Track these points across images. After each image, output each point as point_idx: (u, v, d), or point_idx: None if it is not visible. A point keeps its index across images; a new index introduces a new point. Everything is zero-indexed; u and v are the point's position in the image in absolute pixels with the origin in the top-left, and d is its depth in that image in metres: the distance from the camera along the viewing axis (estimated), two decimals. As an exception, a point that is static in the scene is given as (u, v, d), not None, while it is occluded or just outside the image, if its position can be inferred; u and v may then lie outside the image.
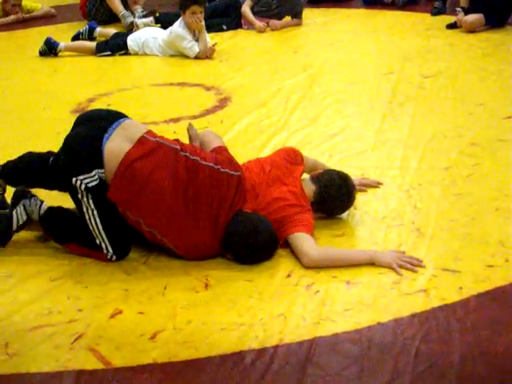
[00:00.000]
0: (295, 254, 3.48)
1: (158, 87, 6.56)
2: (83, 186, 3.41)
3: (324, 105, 5.71)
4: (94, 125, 3.56)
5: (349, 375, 2.72)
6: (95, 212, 3.47)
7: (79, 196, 3.46)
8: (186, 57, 7.45)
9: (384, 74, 6.42)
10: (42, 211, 3.69)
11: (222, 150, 3.80)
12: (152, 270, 3.49)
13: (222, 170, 3.56)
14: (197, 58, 7.40)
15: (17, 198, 3.78)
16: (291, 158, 3.84)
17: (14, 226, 3.68)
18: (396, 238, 3.63)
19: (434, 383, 2.69)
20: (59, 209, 3.71)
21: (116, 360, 2.86)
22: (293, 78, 6.48)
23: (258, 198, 3.62)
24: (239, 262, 3.48)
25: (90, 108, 5.83)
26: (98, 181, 3.42)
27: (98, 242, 3.52)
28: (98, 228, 3.49)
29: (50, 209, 3.70)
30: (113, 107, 5.84)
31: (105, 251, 3.53)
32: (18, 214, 3.68)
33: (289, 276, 3.36)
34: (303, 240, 3.46)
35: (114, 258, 3.53)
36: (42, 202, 3.74)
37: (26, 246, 3.72)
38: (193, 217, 3.43)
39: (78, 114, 5.54)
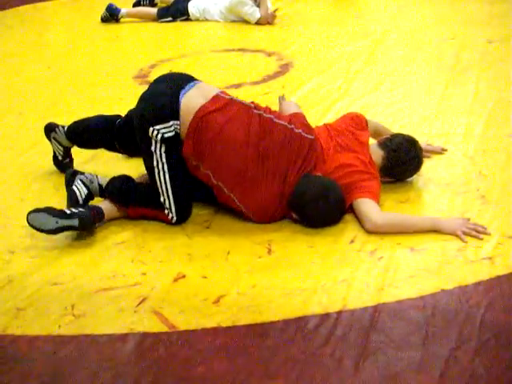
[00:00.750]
0: (359, 219, 3.46)
1: (219, 53, 6.55)
2: (159, 136, 3.45)
3: (386, 71, 5.64)
4: (172, 83, 3.61)
5: (412, 342, 2.70)
6: (165, 167, 3.50)
7: (152, 148, 3.48)
8: (247, 22, 7.42)
9: (448, 40, 6.31)
10: (101, 181, 3.72)
11: (298, 115, 3.79)
12: (215, 234, 3.50)
13: (296, 130, 3.57)
14: (258, 23, 7.36)
15: (72, 176, 3.78)
16: (356, 124, 3.80)
17: (80, 200, 3.70)
18: (461, 205, 3.58)
19: (498, 352, 2.65)
20: (121, 176, 3.73)
21: (180, 323, 2.88)
22: (355, 43, 6.42)
23: (325, 163, 3.60)
24: (304, 223, 3.48)
25: (151, 74, 5.86)
26: (173, 133, 3.46)
27: (162, 199, 3.53)
28: (165, 183, 3.52)
29: (112, 178, 3.72)
30: (174, 73, 5.89)
31: (166, 211, 3.55)
32: (79, 189, 3.71)
33: (352, 242, 3.34)
34: (368, 205, 3.44)
35: (175, 219, 3.55)
36: (96, 175, 3.76)
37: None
38: (262, 172, 3.45)
39: (139, 80, 5.68)
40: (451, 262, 3.15)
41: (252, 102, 3.67)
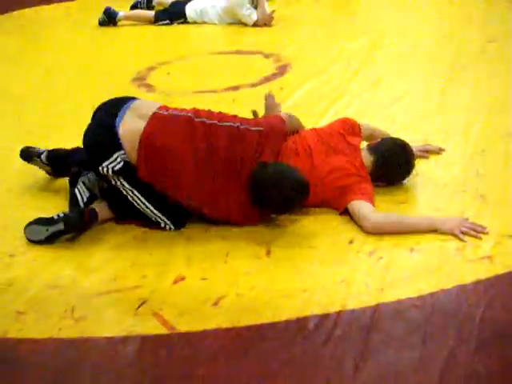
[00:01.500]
0: (355, 221, 3.45)
1: (217, 55, 6.55)
2: (110, 171, 3.43)
3: (385, 69, 5.65)
4: (105, 112, 3.59)
5: (412, 341, 2.70)
6: (135, 192, 3.49)
7: (113, 183, 3.49)
8: (245, 24, 7.42)
9: (446, 38, 6.31)
10: (101, 185, 3.72)
11: (270, 116, 3.81)
12: (214, 236, 3.50)
13: (241, 126, 3.55)
14: (255, 25, 7.36)
15: (75, 177, 3.81)
16: (348, 129, 3.80)
17: (81, 203, 3.71)
18: (459, 205, 3.58)
19: (498, 351, 2.65)
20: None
21: (180, 325, 2.88)
22: (353, 42, 6.41)
23: (315, 167, 3.59)
24: (273, 211, 3.49)
25: (149, 77, 5.88)
26: (122, 163, 3.43)
27: (153, 219, 3.54)
28: (146, 207, 3.52)
29: (110, 188, 3.70)
30: (172, 75, 5.96)
31: (162, 225, 3.55)
32: (81, 191, 3.72)
33: (351, 242, 3.34)
34: (363, 206, 3.44)
35: (173, 228, 3.55)
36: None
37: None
38: (218, 182, 3.43)
39: (138, 83, 5.69)
40: (450, 261, 3.15)
41: (193, 110, 3.61)
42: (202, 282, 3.16)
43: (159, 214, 3.53)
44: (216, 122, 3.54)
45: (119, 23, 7.82)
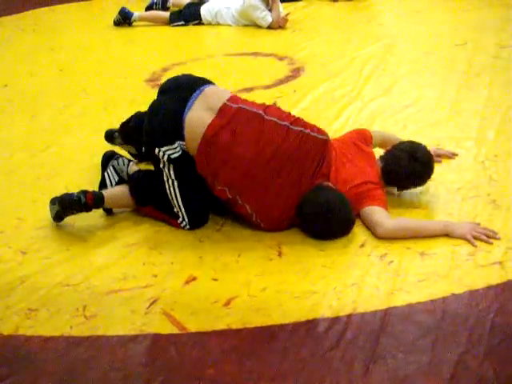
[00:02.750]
0: (368, 227, 3.45)
1: (231, 57, 6.57)
2: (166, 157, 3.45)
3: (398, 75, 5.65)
4: (177, 95, 3.55)
5: (422, 345, 2.71)
6: (175, 183, 3.51)
7: (161, 165, 3.50)
8: (259, 27, 7.44)
9: (459, 44, 6.31)
10: (129, 170, 3.80)
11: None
12: (225, 237, 3.51)
13: (312, 133, 3.54)
14: (270, 27, 7.39)
15: (106, 161, 3.90)
16: (360, 137, 3.79)
17: (109, 187, 3.78)
18: (471, 210, 3.58)
19: (508, 356, 2.65)
20: (145, 172, 3.75)
21: (191, 325, 2.90)
22: (367, 47, 6.42)
23: (331, 175, 3.57)
24: (308, 234, 3.47)
25: (163, 78, 5.88)
26: (180, 152, 3.45)
27: (175, 210, 3.56)
28: (176, 198, 3.54)
29: (138, 171, 3.78)
30: (186, 77, 5.91)
31: (180, 220, 3.57)
32: (110, 176, 3.78)
33: (362, 246, 3.35)
34: (377, 212, 3.44)
35: (188, 227, 3.57)
36: (129, 161, 3.86)
37: (101, 212, 3.75)
38: (275, 183, 3.41)
39: (152, 83, 5.70)
40: (461, 266, 3.15)
41: (263, 106, 3.61)
42: (213, 282, 3.17)
43: (183, 209, 3.54)
44: (287, 124, 3.51)
45: (134, 24, 7.85)
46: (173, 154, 3.45)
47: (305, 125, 3.57)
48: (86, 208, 3.58)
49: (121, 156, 3.92)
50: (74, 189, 3.70)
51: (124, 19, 7.83)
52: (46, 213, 3.68)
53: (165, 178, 3.53)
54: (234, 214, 3.59)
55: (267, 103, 3.71)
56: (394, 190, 3.72)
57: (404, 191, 3.74)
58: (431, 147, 4.07)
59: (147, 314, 2.98)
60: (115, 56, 6.86)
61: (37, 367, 2.75)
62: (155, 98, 3.70)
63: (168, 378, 2.65)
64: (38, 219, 3.71)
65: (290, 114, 3.65)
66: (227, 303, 3.01)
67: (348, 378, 2.60)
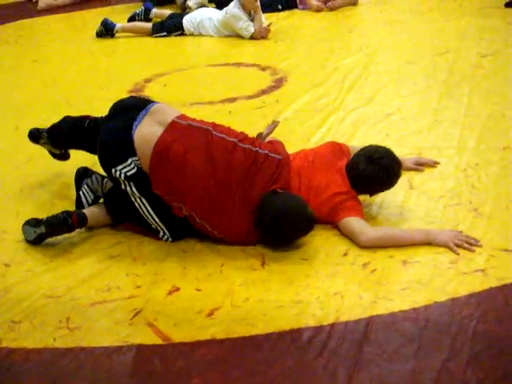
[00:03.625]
0: (350, 238, 3.45)
1: (214, 67, 6.58)
2: (123, 176, 3.45)
3: (380, 84, 5.68)
4: (123, 116, 3.58)
5: (405, 354, 2.71)
6: (143, 200, 3.51)
7: (123, 187, 3.50)
8: (242, 37, 7.47)
9: (440, 53, 6.34)
10: (104, 188, 3.77)
11: (275, 141, 3.80)
12: (209, 247, 3.52)
13: (261, 151, 3.54)
14: (252, 38, 7.42)
15: (79, 179, 3.87)
16: (335, 150, 3.78)
17: (85, 206, 3.76)
18: (453, 218, 3.60)
19: (490, 364, 2.66)
20: (120, 190, 3.69)
21: (174, 335, 2.90)
22: (349, 57, 6.45)
23: (303, 187, 3.59)
24: (269, 242, 3.47)
25: (146, 88, 5.90)
26: (135, 169, 3.44)
27: (153, 227, 3.56)
28: (151, 215, 3.53)
29: (113, 189, 3.72)
30: (169, 87, 5.97)
31: (161, 234, 3.57)
32: (85, 194, 3.76)
33: (345, 255, 3.36)
34: (355, 222, 3.45)
35: (170, 240, 3.57)
36: (103, 177, 3.82)
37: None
38: (227, 197, 3.41)
39: (134, 94, 5.68)
40: (444, 274, 3.16)
41: (212, 124, 3.61)
42: (196, 292, 3.18)
43: (161, 224, 3.54)
44: (235, 140, 3.53)
45: (117, 35, 7.87)
46: (128, 171, 3.45)
47: (254, 143, 3.57)
48: (72, 229, 3.60)
49: (94, 173, 3.88)
50: (59, 201, 3.71)
51: (106, 30, 7.84)
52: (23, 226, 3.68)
53: (132, 199, 3.52)
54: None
55: (217, 122, 3.71)
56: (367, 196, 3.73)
57: (386, 200, 3.75)
58: (413, 156, 4.10)
59: (131, 325, 2.98)
60: (98, 67, 6.87)
61: (20, 380, 2.75)
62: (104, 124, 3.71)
63: (152, 389, 2.65)
64: (20, 232, 3.70)
65: (241, 132, 3.65)
66: (211, 313, 3.01)
67: (332, 386, 2.61)
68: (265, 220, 3.40)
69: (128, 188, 3.49)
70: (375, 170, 3.55)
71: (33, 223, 3.58)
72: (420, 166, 4.08)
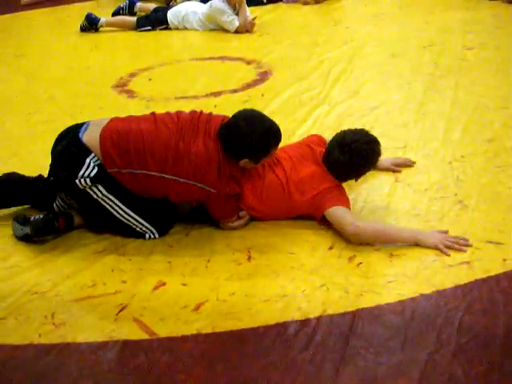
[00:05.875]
0: (336, 228, 3.45)
1: (199, 61, 6.57)
2: (88, 181, 3.42)
3: (365, 78, 5.68)
4: (67, 133, 3.60)
5: (392, 346, 2.72)
6: (116, 201, 3.49)
7: (94, 196, 3.46)
8: (226, 31, 7.46)
9: (425, 46, 6.35)
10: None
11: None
12: (194, 242, 3.51)
13: (204, 114, 3.58)
14: (237, 31, 7.40)
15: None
16: (314, 141, 3.78)
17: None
18: (439, 210, 3.61)
19: (477, 355, 2.66)
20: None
21: (160, 330, 2.89)
22: (334, 51, 6.45)
23: (288, 181, 3.56)
24: (252, 156, 3.44)
25: (131, 83, 5.89)
26: (96, 168, 3.42)
27: (138, 229, 3.54)
28: (129, 215, 3.52)
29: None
30: (154, 81, 5.97)
31: (147, 236, 3.55)
32: (59, 206, 3.72)
33: (331, 248, 3.36)
34: (343, 212, 3.43)
35: (157, 235, 3.55)
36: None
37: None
38: (188, 142, 3.40)
39: (119, 89, 5.70)
40: (429, 267, 3.17)
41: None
42: (182, 287, 3.17)
43: (144, 223, 3.53)
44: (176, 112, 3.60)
45: (101, 29, 7.84)
46: (91, 172, 3.42)
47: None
48: (58, 232, 3.58)
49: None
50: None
51: (91, 25, 7.81)
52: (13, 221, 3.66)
53: (107, 206, 3.49)
54: (202, 219, 3.60)
55: None
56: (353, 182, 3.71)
57: (371, 193, 3.75)
58: (388, 159, 4.03)
59: (116, 320, 2.97)
60: (82, 62, 6.84)
61: (5, 376, 2.73)
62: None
63: (138, 384, 2.64)
64: (6, 227, 3.67)
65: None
66: (196, 308, 3.00)
67: (318, 379, 2.60)
68: (232, 136, 3.40)
69: (98, 193, 3.46)
70: (347, 156, 3.51)
71: (21, 221, 3.56)
72: (397, 166, 4.04)
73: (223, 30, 7.50)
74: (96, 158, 3.43)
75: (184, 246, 3.49)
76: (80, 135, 3.48)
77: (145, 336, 2.86)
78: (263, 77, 5.89)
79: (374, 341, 2.76)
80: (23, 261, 3.45)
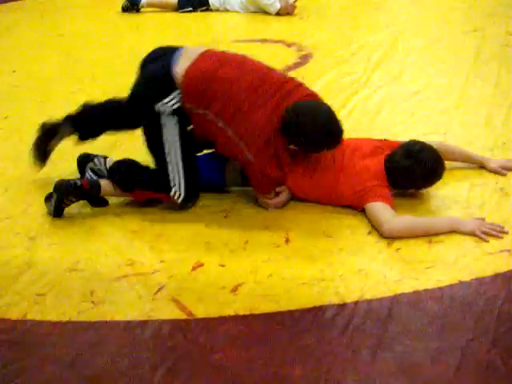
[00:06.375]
0: (373, 224, 3.38)
1: (240, 43, 6.55)
2: (168, 110, 3.49)
3: (407, 62, 5.64)
4: (158, 62, 3.65)
5: (430, 333, 2.70)
6: (177, 139, 3.53)
7: (162, 122, 3.52)
8: (267, 13, 7.43)
9: (468, 31, 6.28)
10: (108, 166, 3.76)
11: None
12: (233, 223, 3.52)
13: (291, 83, 3.59)
14: (278, 14, 7.38)
15: (82, 165, 3.87)
16: (387, 146, 3.66)
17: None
18: (479, 197, 3.58)
19: (515, 344, 2.66)
20: (124, 159, 3.75)
21: (198, 311, 2.90)
22: (375, 35, 6.41)
23: (341, 170, 3.54)
24: (304, 147, 3.48)
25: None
26: (178, 104, 3.49)
27: (171, 176, 3.55)
28: (177, 160, 3.55)
29: (115, 162, 3.74)
30: (194, 63, 5.91)
31: (173, 190, 3.57)
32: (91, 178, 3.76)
33: (369, 233, 3.35)
34: (382, 208, 3.37)
35: (182, 196, 3.57)
36: (105, 158, 3.83)
37: (111, 199, 3.75)
38: (257, 105, 3.44)
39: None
40: (469, 254, 3.14)
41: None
42: (220, 268, 3.18)
43: (181, 175, 3.56)
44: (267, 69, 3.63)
45: (142, 10, 7.85)
46: (174, 104, 3.49)
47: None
48: (83, 192, 3.60)
49: (95, 156, 3.86)
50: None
51: (132, 5, 7.83)
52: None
53: (164, 138, 3.54)
54: (242, 200, 3.60)
55: None
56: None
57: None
58: (497, 160, 3.86)
59: (154, 299, 2.99)
60: (123, 42, 6.86)
61: (44, 352, 2.75)
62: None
63: (175, 364, 2.65)
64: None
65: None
66: (234, 289, 3.01)
67: (355, 364, 2.60)
68: (296, 124, 3.40)
69: (169, 124, 3.52)
70: (409, 162, 3.47)
71: (48, 196, 3.62)
72: (505, 169, 3.79)
73: (264, 12, 7.47)
74: (179, 92, 3.50)
75: (222, 227, 3.49)
76: (172, 67, 3.53)
77: (182, 316, 2.88)
78: (304, 60, 5.87)
79: (411, 327, 2.75)
80: (62, 239, 3.48)
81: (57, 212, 3.60)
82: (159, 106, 3.49)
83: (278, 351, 2.68)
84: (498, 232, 3.25)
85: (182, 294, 3.01)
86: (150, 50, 6.32)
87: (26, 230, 3.56)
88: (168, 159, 3.55)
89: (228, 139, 3.47)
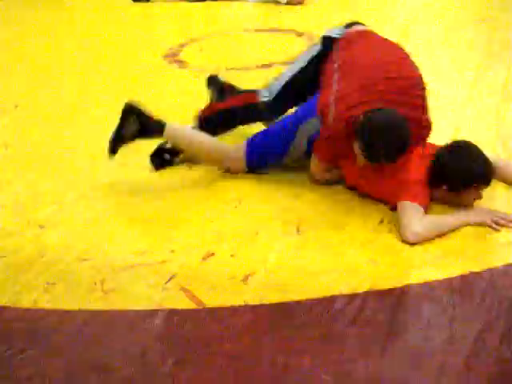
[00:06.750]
0: (399, 221, 3.25)
1: (250, 33, 6.54)
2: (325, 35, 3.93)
3: (418, 51, 5.57)
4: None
5: (440, 323, 2.70)
6: (302, 65, 3.90)
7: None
8: (278, 2, 7.40)
9: (479, 22, 6.25)
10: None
11: None
12: (244, 213, 3.51)
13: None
14: (288, 3, 7.34)
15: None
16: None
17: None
18: (489, 190, 3.54)
19: (527, 335, 2.65)
20: None
21: (208, 300, 2.90)
22: (386, 23, 6.35)
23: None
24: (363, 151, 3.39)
25: (181, 53, 5.89)
26: (338, 35, 3.94)
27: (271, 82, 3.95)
28: (288, 73, 3.91)
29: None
30: (204, 52, 5.93)
31: (263, 92, 3.93)
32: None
33: (381, 223, 3.34)
34: (412, 209, 3.24)
35: (267, 99, 3.90)
36: None
37: (115, 185, 3.80)
38: (371, 83, 3.57)
39: (169, 59, 5.70)
40: (481, 244, 3.14)
41: None
42: (231, 258, 3.17)
43: (280, 85, 3.90)
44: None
45: (152, 0, 7.83)
46: (337, 33, 3.96)
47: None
48: (146, 122, 3.76)
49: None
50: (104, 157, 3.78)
51: (143, -5, 7.81)
52: (64, 188, 3.70)
53: (301, 54, 4.00)
54: (254, 190, 3.64)
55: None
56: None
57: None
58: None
59: (165, 289, 2.99)
60: (133, 31, 6.86)
61: (54, 341, 2.76)
62: None
63: (185, 353, 2.65)
64: (57, 194, 3.72)
65: None
66: (245, 279, 3.01)
67: (365, 354, 2.59)
68: (377, 122, 3.38)
69: (313, 48, 3.95)
70: (450, 158, 3.32)
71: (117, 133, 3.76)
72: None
73: (275, 1, 7.45)
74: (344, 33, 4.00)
75: (233, 217, 3.49)
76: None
77: (193, 305, 2.87)
78: (314, 49, 5.84)
79: (421, 317, 2.75)
80: (73, 228, 3.48)
81: (117, 135, 3.75)
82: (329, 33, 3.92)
83: (288, 341, 2.68)
84: (509, 222, 3.24)
85: (192, 283, 3.01)
86: (159, 39, 6.37)
87: (36, 218, 3.56)
88: (285, 68, 3.93)
89: (327, 95, 3.56)
